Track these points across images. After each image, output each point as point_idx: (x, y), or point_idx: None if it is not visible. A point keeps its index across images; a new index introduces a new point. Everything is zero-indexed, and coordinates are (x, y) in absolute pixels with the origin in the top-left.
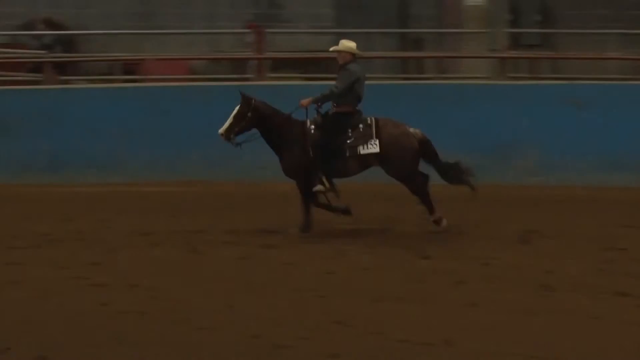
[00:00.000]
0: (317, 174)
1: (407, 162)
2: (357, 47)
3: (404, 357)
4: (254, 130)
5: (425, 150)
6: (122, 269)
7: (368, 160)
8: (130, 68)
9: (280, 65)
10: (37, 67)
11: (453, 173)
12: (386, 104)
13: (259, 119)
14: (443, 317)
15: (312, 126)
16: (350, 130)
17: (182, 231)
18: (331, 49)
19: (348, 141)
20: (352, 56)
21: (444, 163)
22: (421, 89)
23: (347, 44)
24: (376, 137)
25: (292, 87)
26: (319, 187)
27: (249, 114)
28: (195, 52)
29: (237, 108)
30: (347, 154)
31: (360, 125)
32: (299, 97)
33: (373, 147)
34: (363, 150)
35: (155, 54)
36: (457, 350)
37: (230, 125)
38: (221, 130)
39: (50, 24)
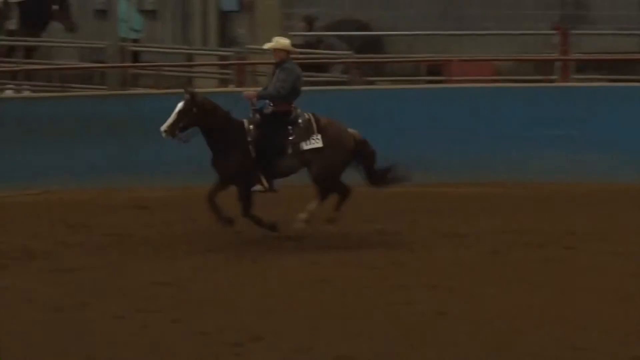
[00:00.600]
0: (256, 174)
1: (341, 161)
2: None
3: None
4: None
5: (361, 151)
6: (424, 269)
7: (307, 156)
8: (435, 69)
9: (585, 67)
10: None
11: (383, 176)
12: None
13: (203, 116)
14: None
15: (251, 125)
16: (290, 127)
17: (488, 232)
18: (265, 46)
19: (290, 137)
20: (287, 54)
21: (377, 168)
22: None
23: (283, 42)
24: (318, 132)
25: (596, 89)
26: (258, 187)
27: (194, 110)
28: (501, 53)
29: (181, 104)
30: (290, 151)
31: (300, 121)
32: (602, 100)
33: (316, 142)
34: (306, 145)
35: (461, 55)
36: None
37: (175, 121)
38: (164, 127)
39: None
